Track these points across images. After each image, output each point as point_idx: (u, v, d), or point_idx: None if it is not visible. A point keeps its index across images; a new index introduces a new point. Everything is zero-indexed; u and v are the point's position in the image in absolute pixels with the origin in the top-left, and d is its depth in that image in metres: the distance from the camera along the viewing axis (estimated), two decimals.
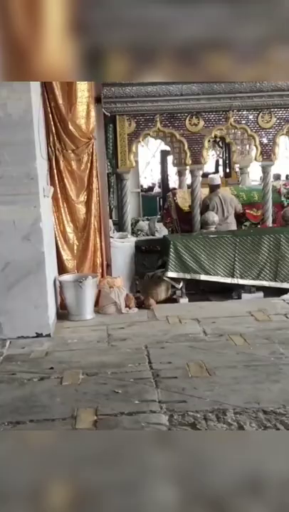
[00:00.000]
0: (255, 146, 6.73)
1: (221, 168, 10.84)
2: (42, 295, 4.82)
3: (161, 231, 7.68)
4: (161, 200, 10.67)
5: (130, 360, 4.21)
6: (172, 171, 9.95)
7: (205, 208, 6.85)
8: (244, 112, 6.61)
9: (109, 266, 5.85)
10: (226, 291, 6.09)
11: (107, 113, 6.19)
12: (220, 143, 9.67)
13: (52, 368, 4.12)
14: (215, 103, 6.49)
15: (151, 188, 13.15)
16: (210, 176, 8.00)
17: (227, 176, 9.63)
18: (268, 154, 6.73)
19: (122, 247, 6.14)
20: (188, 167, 6.88)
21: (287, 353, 4.21)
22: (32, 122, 4.69)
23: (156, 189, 12.82)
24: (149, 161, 13.54)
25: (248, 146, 8.07)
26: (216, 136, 7.20)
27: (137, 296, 5.84)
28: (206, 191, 7.30)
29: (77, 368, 4.10)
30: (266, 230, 6.49)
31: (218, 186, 7.12)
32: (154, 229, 7.88)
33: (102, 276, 5.74)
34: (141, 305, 5.70)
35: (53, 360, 4.31)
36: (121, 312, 5.51)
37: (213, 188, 7.10)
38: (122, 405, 3.42)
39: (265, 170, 6.92)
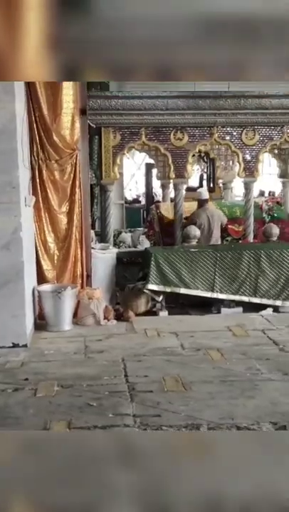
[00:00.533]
0: (239, 162, 6.82)
1: (205, 183, 10.91)
2: (20, 305, 4.79)
3: (144, 243, 7.67)
4: (145, 212, 10.69)
5: (106, 372, 4.20)
6: (157, 183, 9.98)
7: (193, 224, 6.81)
8: (228, 129, 6.71)
9: (89, 277, 5.84)
10: (205, 305, 6.09)
11: (92, 124, 6.22)
12: (204, 158, 9.75)
13: (27, 379, 4.09)
14: (200, 118, 6.56)
15: (136, 200, 13.20)
16: (198, 190, 7.98)
17: (211, 190, 9.66)
18: (250, 171, 6.82)
19: (103, 258, 6.14)
20: (172, 181, 6.92)
21: (263, 369, 4.23)
22: (16, 131, 4.69)
23: (141, 201, 12.83)
24: (134, 173, 13.59)
25: (231, 162, 8.15)
26: (200, 151, 7.27)
27: (116, 308, 5.82)
28: (189, 205, 7.34)
29: (52, 379, 4.07)
30: (247, 246, 6.55)
31: (206, 201, 7.06)
32: (137, 241, 7.88)
33: (82, 287, 5.73)
34: (120, 317, 5.68)
35: (28, 371, 4.27)
36: (99, 324, 5.49)
37: (202, 203, 7.01)
38: (96, 418, 3.40)
39: (247, 186, 7.00)
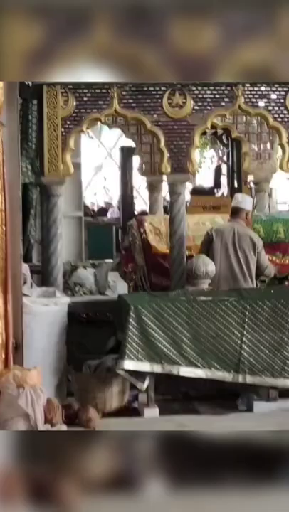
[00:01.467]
0: (281, 145, 6.83)
1: (224, 181, 11.03)
2: None
3: (117, 287, 7.67)
4: (119, 231, 10.78)
5: None
6: (140, 182, 10.04)
7: (207, 245, 6.81)
8: (262, 88, 6.75)
9: (18, 347, 5.75)
10: (226, 397, 6.15)
11: (27, 82, 6.24)
12: (223, 138, 9.86)
13: None
14: None
15: (104, 211, 13.37)
16: (236, 194, 7.92)
17: (234, 193, 9.77)
18: None
19: (45, 315, 6.12)
20: (165, 177, 6.99)
21: None
22: None
23: (114, 213, 12.98)
24: (101, 163, 13.80)
25: (269, 146, 8.21)
26: (215, 127, 7.31)
27: (67, 404, 5.78)
28: (198, 219, 7.35)
29: None
30: None
31: (239, 212, 6.86)
32: (105, 282, 7.89)
33: (6, 365, 5.62)
34: (73, 419, 5.62)
35: None
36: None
37: (233, 214, 6.94)
38: None
39: None
